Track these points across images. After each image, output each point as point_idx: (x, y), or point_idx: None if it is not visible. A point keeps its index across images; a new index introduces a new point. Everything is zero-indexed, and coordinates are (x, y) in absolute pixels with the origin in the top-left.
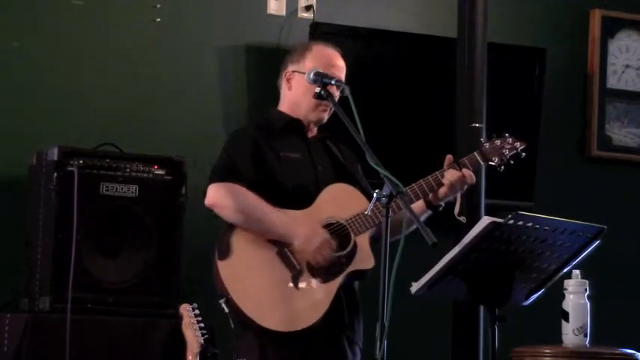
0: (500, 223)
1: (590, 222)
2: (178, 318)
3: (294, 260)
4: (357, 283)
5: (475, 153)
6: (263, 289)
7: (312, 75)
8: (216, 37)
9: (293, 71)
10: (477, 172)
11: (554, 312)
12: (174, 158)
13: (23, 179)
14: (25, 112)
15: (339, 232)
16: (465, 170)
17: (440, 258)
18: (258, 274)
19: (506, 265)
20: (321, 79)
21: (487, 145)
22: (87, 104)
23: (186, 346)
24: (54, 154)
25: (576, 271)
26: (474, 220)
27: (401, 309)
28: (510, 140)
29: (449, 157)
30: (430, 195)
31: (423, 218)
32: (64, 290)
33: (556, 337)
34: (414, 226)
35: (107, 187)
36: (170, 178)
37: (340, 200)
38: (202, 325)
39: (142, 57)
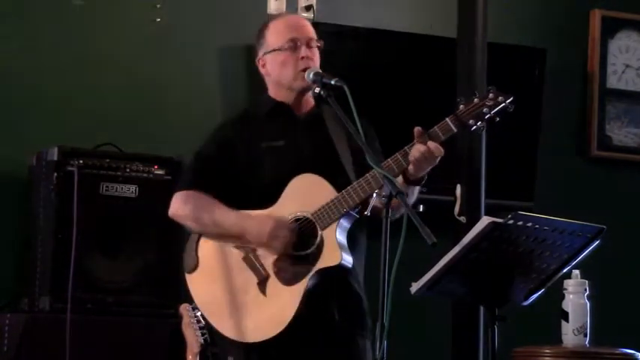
0: (500, 223)
1: (590, 222)
2: (178, 318)
3: (259, 265)
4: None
5: (447, 119)
6: (228, 300)
7: (311, 75)
8: (216, 37)
9: (263, 55)
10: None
11: (554, 312)
12: (174, 158)
13: (23, 179)
14: (25, 112)
15: (307, 228)
16: (430, 143)
17: (440, 258)
18: (223, 284)
19: (506, 265)
20: (321, 79)
21: (462, 106)
22: (87, 104)
23: (186, 346)
24: (54, 154)
25: (576, 271)
26: (474, 220)
27: (401, 309)
28: (492, 95)
29: (417, 129)
30: (404, 171)
31: (412, 197)
32: (64, 290)
33: (556, 337)
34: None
35: (107, 187)
36: (170, 178)
37: (305, 193)
38: (202, 324)
39: (142, 57)
